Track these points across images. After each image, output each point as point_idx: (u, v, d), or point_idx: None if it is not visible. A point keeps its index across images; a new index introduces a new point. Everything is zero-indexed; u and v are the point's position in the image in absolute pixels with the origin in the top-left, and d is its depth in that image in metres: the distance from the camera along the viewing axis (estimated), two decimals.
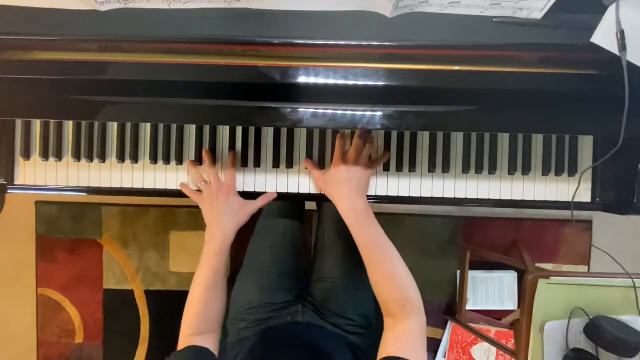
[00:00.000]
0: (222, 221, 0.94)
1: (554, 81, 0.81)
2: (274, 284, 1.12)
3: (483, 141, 0.99)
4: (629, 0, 0.71)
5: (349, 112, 0.84)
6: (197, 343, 0.88)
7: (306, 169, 1.00)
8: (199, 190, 0.98)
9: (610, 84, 0.77)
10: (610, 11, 0.72)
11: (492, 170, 0.99)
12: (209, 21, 0.78)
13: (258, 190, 1.00)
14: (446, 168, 0.99)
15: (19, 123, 1.00)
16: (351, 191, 0.91)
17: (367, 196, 0.98)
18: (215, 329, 0.93)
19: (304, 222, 1.25)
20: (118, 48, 0.80)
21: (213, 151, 1.00)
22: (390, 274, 0.86)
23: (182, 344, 0.89)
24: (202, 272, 0.93)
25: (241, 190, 1.00)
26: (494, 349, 1.81)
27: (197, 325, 0.91)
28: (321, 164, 1.00)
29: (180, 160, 1.00)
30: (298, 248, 1.20)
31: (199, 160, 1.00)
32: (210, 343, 0.90)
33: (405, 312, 0.83)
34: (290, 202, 1.20)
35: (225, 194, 0.95)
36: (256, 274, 1.14)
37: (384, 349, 0.80)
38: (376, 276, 0.87)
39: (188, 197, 1.00)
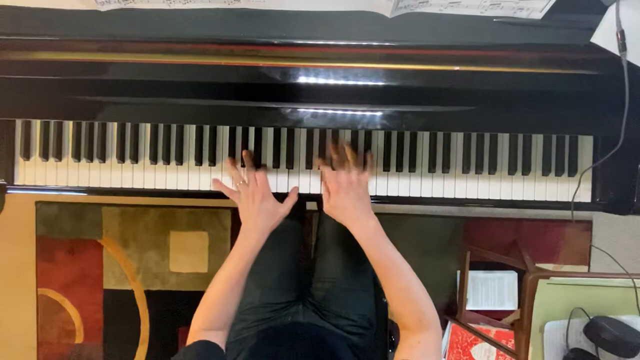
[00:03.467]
0: (259, 221, 0.95)
1: (554, 81, 0.81)
2: (274, 284, 1.12)
3: (483, 141, 0.99)
4: (629, 0, 0.71)
5: (349, 112, 0.84)
6: (208, 338, 0.87)
7: (306, 169, 1.00)
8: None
9: (610, 84, 0.77)
10: (610, 11, 0.72)
11: (492, 170, 0.99)
12: (209, 21, 0.78)
13: None
14: (446, 168, 0.99)
15: (19, 123, 1.00)
16: (356, 211, 0.92)
17: None
18: (226, 327, 0.93)
19: (304, 222, 1.25)
20: (118, 48, 0.80)
21: (230, 152, 1.00)
22: (404, 289, 0.87)
23: (192, 338, 0.88)
24: (230, 268, 0.93)
25: None
26: (494, 349, 1.81)
27: (211, 321, 0.91)
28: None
29: (180, 160, 1.00)
30: (299, 248, 1.20)
31: (199, 160, 1.00)
32: (220, 339, 0.89)
33: (421, 326, 0.84)
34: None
35: (262, 194, 0.96)
36: (257, 274, 1.13)
37: (398, 356, 0.81)
38: (391, 291, 0.88)
39: (187, 197, 1.00)
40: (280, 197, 1.00)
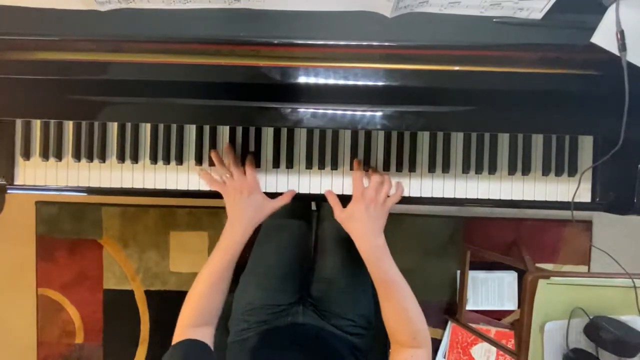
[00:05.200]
0: (245, 216, 0.93)
1: (554, 81, 0.81)
2: (277, 285, 1.11)
3: (483, 141, 0.99)
4: (629, 0, 0.71)
5: (349, 112, 0.84)
6: (194, 335, 0.87)
7: (306, 169, 1.00)
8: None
9: (610, 84, 0.77)
10: (610, 11, 0.72)
11: (492, 170, 0.99)
12: (209, 21, 0.78)
13: None
14: (446, 168, 0.99)
15: (19, 123, 1.00)
16: (370, 229, 0.91)
17: None
18: (213, 322, 0.93)
19: (310, 224, 1.24)
20: (118, 48, 0.80)
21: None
22: (402, 309, 0.89)
23: (179, 335, 0.89)
24: (215, 263, 0.92)
25: None
26: (494, 349, 1.81)
27: (196, 317, 0.91)
28: (321, 165, 1.00)
29: (180, 160, 1.00)
30: (304, 250, 1.19)
31: (199, 160, 1.00)
32: (207, 335, 0.90)
33: (414, 343, 0.88)
34: (297, 203, 1.19)
35: (249, 189, 0.94)
36: (260, 274, 1.14)
37: None
38: (388, 309, 0.90)
39: (187, 197, 1.00)
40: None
